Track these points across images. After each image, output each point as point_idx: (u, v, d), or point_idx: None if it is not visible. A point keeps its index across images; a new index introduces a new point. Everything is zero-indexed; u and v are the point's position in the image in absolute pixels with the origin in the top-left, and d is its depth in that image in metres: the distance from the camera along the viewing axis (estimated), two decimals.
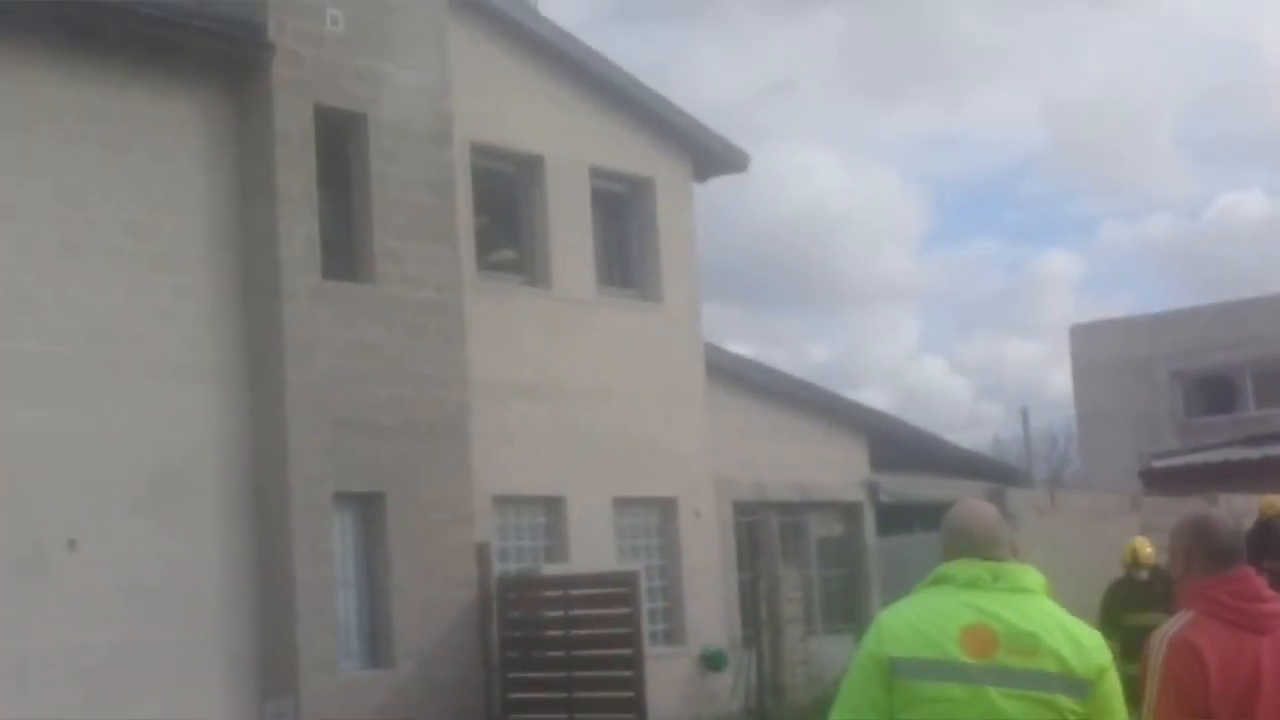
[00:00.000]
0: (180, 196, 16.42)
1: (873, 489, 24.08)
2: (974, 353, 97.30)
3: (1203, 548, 4.99)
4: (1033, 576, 4.65)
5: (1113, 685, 4.54)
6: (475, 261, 19.07)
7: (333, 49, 17.12)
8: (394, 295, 17.41)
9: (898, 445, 25.67)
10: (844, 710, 4.56)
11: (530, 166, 20.10)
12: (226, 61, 16.78)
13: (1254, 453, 31.96)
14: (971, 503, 4.91)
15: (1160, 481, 29.86)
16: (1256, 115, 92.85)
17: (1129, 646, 14.32)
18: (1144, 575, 15.68)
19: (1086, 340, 44.74)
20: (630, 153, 21.07)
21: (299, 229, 16.65)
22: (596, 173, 20.73)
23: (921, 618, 4.56)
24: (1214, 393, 42.70)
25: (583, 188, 20.49)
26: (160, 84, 16.39)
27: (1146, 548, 15.81)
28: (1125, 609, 15.27)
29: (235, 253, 16.70)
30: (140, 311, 15.94)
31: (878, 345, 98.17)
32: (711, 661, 20.12)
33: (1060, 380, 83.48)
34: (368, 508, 17.14)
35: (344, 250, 17.43)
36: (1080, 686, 4.47)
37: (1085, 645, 4.53)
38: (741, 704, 19.20)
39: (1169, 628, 4.88)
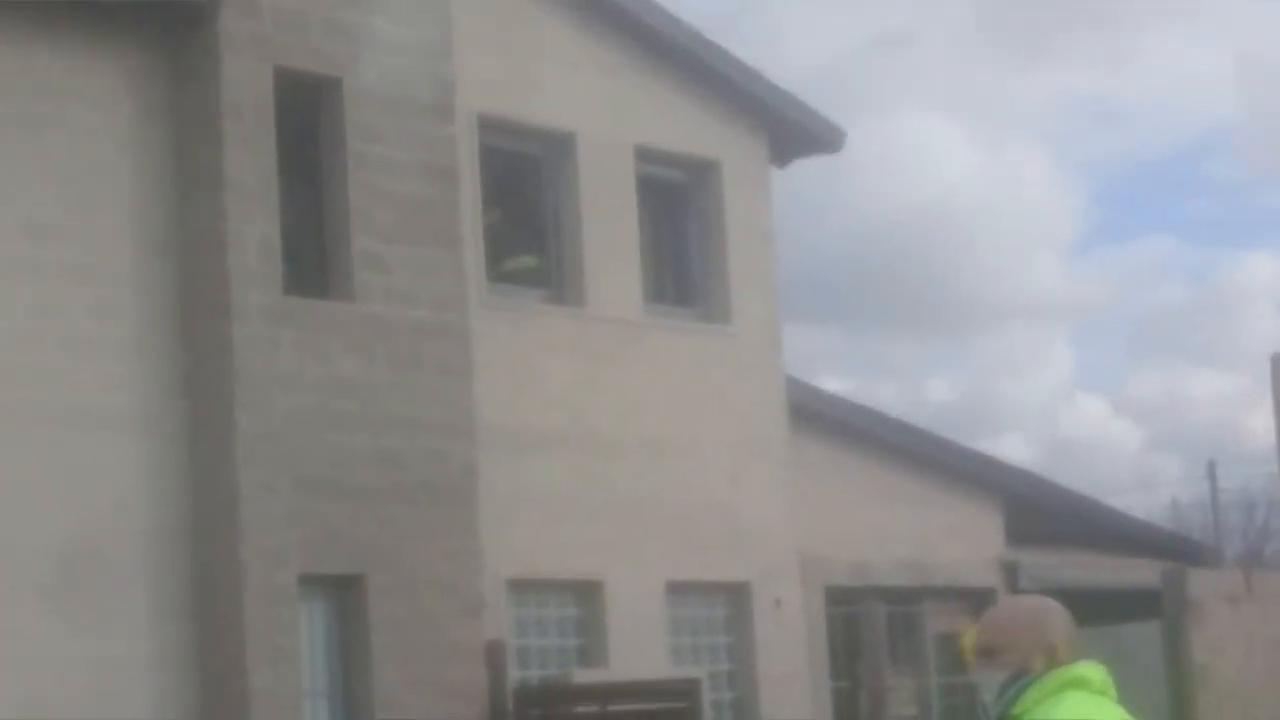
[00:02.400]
0: (100, 189, 16.51)
1: (1010, 570, 23.98)
2: (1145, 390, 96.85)
3: None
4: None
5: None
6: (485, 271, 19.12)
7: None
8: (378, 316, 17.46)
9: (1043, 513, 25.60)
10: None
11: (558, 147, 20.16)
12: (162, 13, 16.88)
13: None
14: (1041, 596, 5.65)
15: None
16: None
17: None
18: None
19: None
20: (689, 129, 21.08)
21: (253, 229, 16.71)
22: (644, 154, 20.76)
23: None
24: None
25: (627, 174, 20.52)
26: (76, 45, 16.50)
27: None
28: None
29: (171, 261, 16.78)
30: (47, 339, 16.01)
31: (1018, 381, 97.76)
32: None
33: (1260, 425, 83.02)
34: (343, 595, 17.18)
35: (312, 257, 17.52)
36: None
37: None
38: None
39: None
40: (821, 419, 22.46)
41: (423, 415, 17.58)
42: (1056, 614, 5.41)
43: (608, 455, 19.60)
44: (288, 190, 17.11)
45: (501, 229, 19.86)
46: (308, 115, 17.49)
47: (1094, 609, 24.02)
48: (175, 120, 16.92)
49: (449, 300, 18.00)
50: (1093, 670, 5.27)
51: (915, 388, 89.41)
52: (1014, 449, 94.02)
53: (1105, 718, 5.17)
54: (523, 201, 20.25)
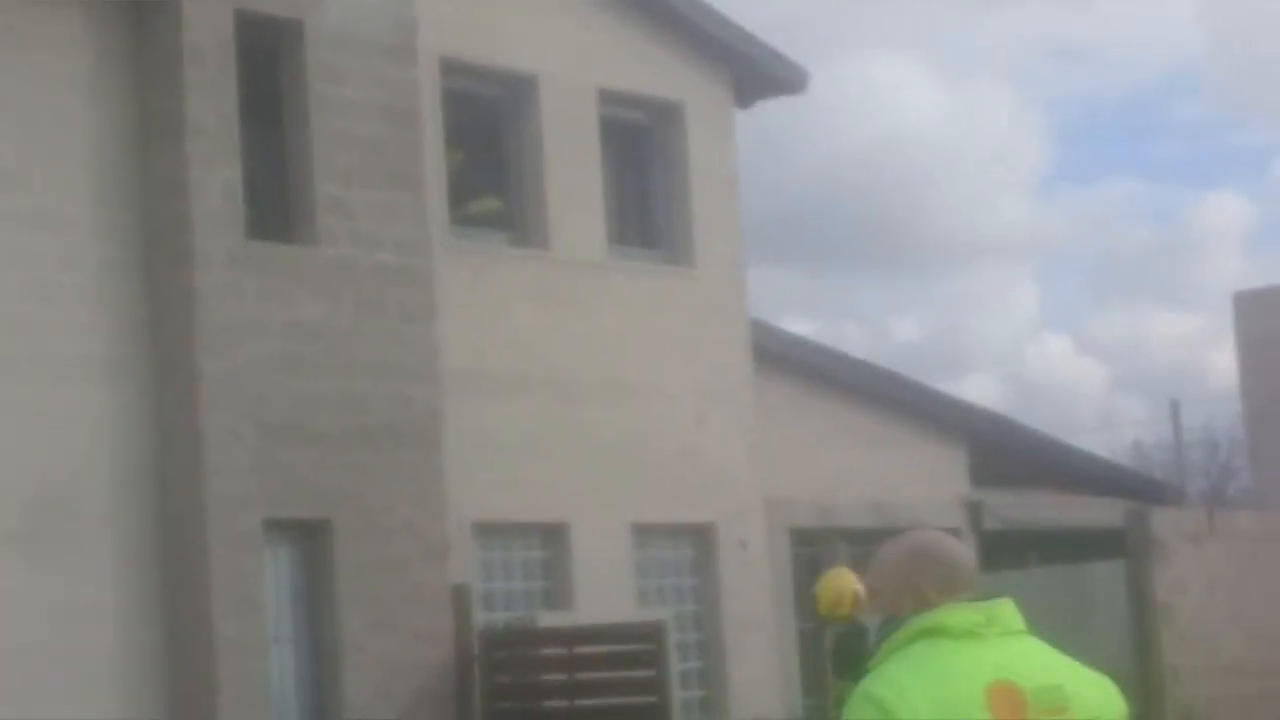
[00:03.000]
0: (61, 135, 16.52)
1: (975, 511, 24.13)
2: (1110, 330, 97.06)
3: None
4: (1017, 613, 4.90)
5: None
6: (448, 214, 19.17)
7: None
8: (341, 259, 17.51)
9: (1008, 453, 25.74)
10: None
11: (520, 89, 20.18)
12: None
13: None
14: (938, 534, 5.17)
15: None
16: None
17: None
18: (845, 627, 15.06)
19: (1256, 311, 44.69)
20: (652, 70, 21.11)
21: (216, 175, 16.74)
22: (607, 96, 20.79)
23: (935, 685, 4.71)
24: None
25: (589, 116, 20.56)
26: None
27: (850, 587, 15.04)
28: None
29: (133, 208, 16.80)
30: (9, 286, 16.05)
31: (983, 321, 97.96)
32: None
33: (1223, 365, 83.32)
34: (309, 540, 17.26)
35: (275, 201, 17.56)
36: None
37: (1106, 689, 4.85)
38: None
39: None
40: (786, 361, 22.55)
41: (386, 359, 17.66)
42: (935, 554, 5.00)
43: (572, 398, 19.69)
44: (249, 134, 17.14)
45: (464, 172, 19.87)
46: (269, 58, 17.51)
47: (1058, 548, 24.23)
48: (136, 65, 16.94)
49: (412, 244, 18.05)
50: (956, 615, 4.83)
51: (880, 328, 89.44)
52: (978, 389, 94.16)
53: (953, 667, 4.74)
54: (485, 144, 20.27)
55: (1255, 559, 20.92)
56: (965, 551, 5.04)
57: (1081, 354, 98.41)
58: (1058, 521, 25.23)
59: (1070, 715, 4.70)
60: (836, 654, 15.04)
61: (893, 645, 4.90)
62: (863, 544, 22.38)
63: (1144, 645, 20.29)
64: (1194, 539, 21.10)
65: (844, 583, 14.96)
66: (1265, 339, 43.95)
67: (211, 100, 16.81)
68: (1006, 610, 4.88)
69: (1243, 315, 45.42)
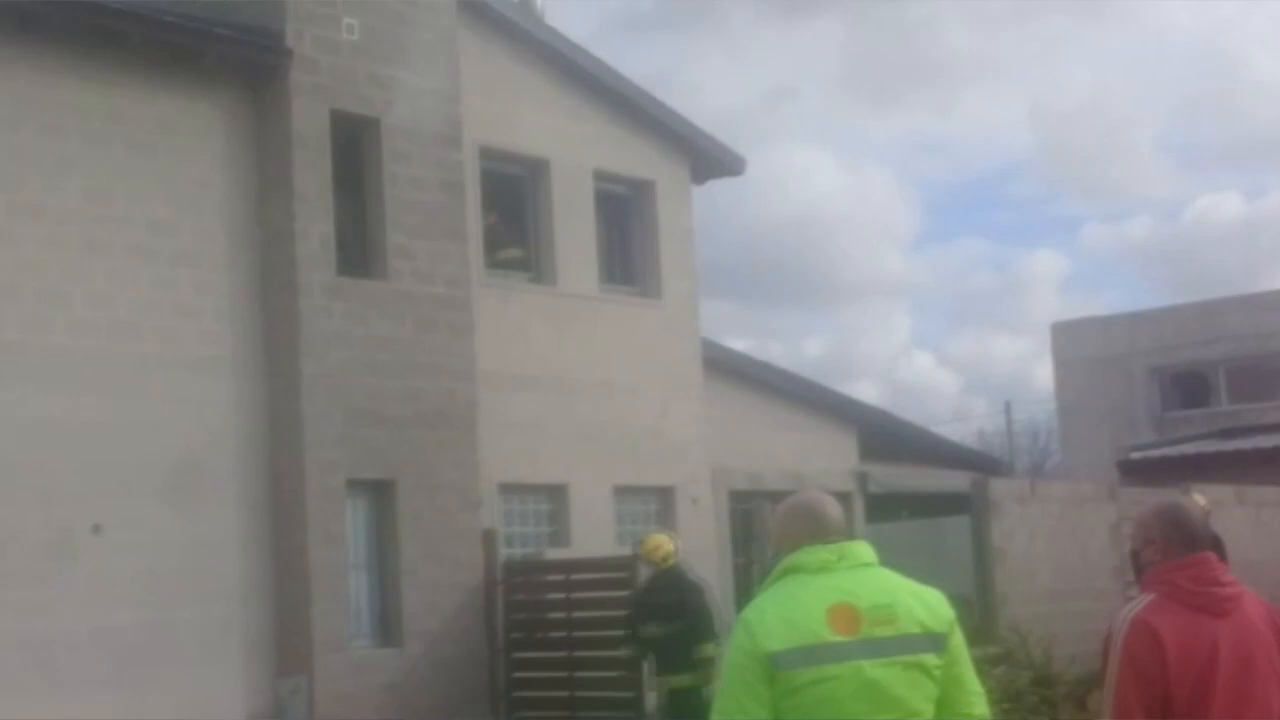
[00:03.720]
0: (202, 196, 16.45)
1: (862, 479, 24.11)
2: (961, 348, 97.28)
3: (1169, 534, 5.02)
4: (869, 550, 4.79)
5: (961, 636, 4.71)
6: (483, 259, 19.09)
7: (348, 56, 17.14)
8: (405, 291, 17.44)
9: (887, 437, 25.72)
10: (731, 711, 4.58)
11: (536, 169, 20.12)
12: (247, 67, 16.80)
13: (1226, 446, 32.01)
14: (813, 494, 5.01)
15: (1136, 472, 29.90)
16: (1233, 121, 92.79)
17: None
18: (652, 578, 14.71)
19: (1067, 337, 44.78)
20: (632, 156, 21.08)
21: (315, 227, 16.69)
22: (600, 175, 20.74)
23: (788, 609, 4.63)
24: (1189, 388, 42.75)
25: (586, 189, 20.51)
26: (184, 89, 16.42)
27: (666, 544, 14.81)
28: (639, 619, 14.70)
29: (254, 250, 16.74)
30: (163, 306, 15.98)
31: (870, 341, 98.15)
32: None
33: (1043, 375, 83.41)
34: (379, 494, 17.17)
35: (357, 248, 17.46)
36: (938, 641, 4.63)
37: (933, 604, 4.71)
38: None
39: (1130, 609, 4.91)
40: (729, 368, 22.51)
41: (437, 364, 17.59)
42: (806, 510, 4.86)
43: (572, 393, 19.62)
44: (340, 199, 17.07)
45: (496, 229, 19.80)
46: (354, 144, 17.43)
47: (922, 507, 24.18)
48: (257, 146, 16.86)
49: (457, 280, 17.97)
50: (811, 554, 4.71)
51: (795, 346, 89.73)
52: (866, 391, 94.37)
53: (803, 595, 4.64)
54: (511, 209, 20.18)
55: (1064, 516, 20.87)
56: (832, 507, 4.88)
57: (941, 366, 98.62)
58: (922, 487, 25.19)
59: (898, 625, 4.58)
60: (641, 597, 14.70)
61: (768, 581, 4.83)
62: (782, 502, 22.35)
63: (984, 578, 20.22)
64: (1020, 501, 21.03)
65: (663, 542, 14.76)
66: (1073, 358, 44.04)
67: (312, 173, 16.74)
68: (858, 548, 4.78)
69: (1057, 339, 45.53)
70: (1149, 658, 4.77)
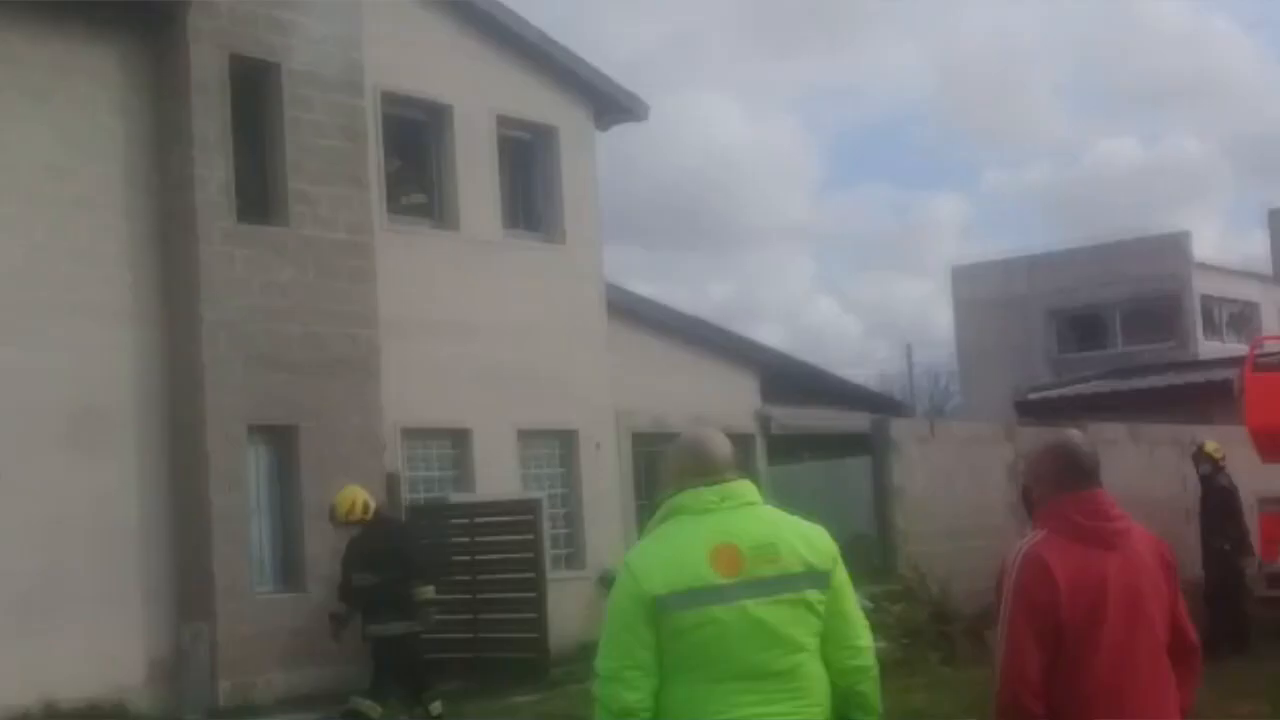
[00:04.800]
0: (99, 141, 16.24)
1: (764, 420, 24.22)
2: (864, 292, 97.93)
3: (1061, 469, 5.07)
4: (752, 489, 4.77)
5: (844, 571, 4.72)
6: (386, 205, 18.94)
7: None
8: (307, 237, 17.31)
9: (789, 379, 25.84)
10: (617, 656, 4.58)
11: (439, 114, 19.94)
12: (144, 11, 16.56)
13: (1121, 385, 32.50)
14: (702, 432, 4.96)
15: (1033, 412, 30.28)
16: (1131, 68, 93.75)
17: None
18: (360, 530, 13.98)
19: (967, 280, 45.19)
20: (535, 102, 20.94)
21: (214, 173, 16.52)
22: (503, 121, 20.60)
23: (670, 551, 4.62)
24: (1085, 330, 43.34)
25: (489, 135, 20.37)
26: (80, 33, 16.17)
27: (359, 496, 14.03)
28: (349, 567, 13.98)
29: (153, 196, 16.56)
30: (60, 253, 15.79)
31: (773, 285, 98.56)
32: (609, 584, 20.17)
33: (944, 318, 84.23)
34: (281, 440, 17.09)
35: (258, 194, 17.30)
36: (822, 578, 4.64)
37: (816, 540, 4.71)
38: None
39: (1023, 544, 4.97)
40: (632, 313, 22.50)
41: (340, 310, 17.49)
42: (691, 449, 4.82)
43: (475, 339, 19.52)
44: (240, 145, 16.92)
45: (398, 175, 19.66)
46: (254, 90, 17.24)
47: (823, 448, 24.34)
48: (155, 92, 16.66)
49: (359, 226, 17.87)
50: (694, 496, 4.68)
51: (700, 291, 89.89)
52: (771, 334, 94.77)
53: (686, 536, 4.62)
54: (414, 155, 20.03)
55: (962, 456, 21.10)
56: (717, 445, 4.83)
57: (844, 309, 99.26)
58: (824, 428, 25.35)
59: (781, 564, 4.58)
60: (351, 548, 13.91)
61: (652, 523, 4.81)
62: None
63: (884, 517, 20.41)
64: (920, 441, 21.23)
65: (356, 494, 14.07)
66: (972, 300, 44.42)
67: (211, 119, 16.57)
68: (741, 487, 4.75)
69: (957, 282, 45.93)
70: (1041, 590, 4.83)
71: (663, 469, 4.93)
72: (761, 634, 4.53)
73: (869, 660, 4.76)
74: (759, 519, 4.70)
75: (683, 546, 4.61)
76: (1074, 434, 5.33)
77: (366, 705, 13.29)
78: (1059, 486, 5.05)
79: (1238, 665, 14.85)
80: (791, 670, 4.57)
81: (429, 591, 13.65)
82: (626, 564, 4.67)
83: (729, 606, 4.52)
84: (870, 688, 4.76)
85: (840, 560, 4.73)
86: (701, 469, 4.74)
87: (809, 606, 4.60)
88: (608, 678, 4.57)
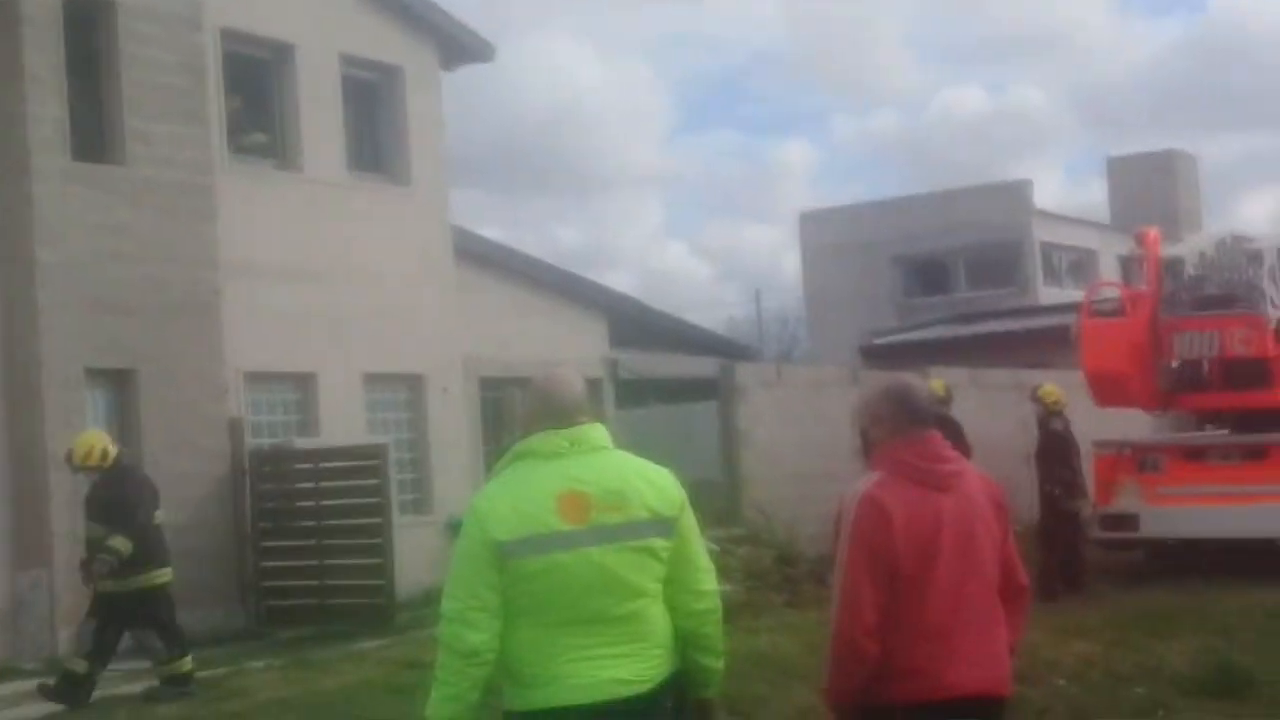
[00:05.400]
0: None
1: (612, 365, 24.24)
2: (714, 238, 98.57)
3: (896, 412, 5.14)
4: (603, 433, 4.77)
5: (690, 516, 4.76)
6: (226, 145, 18.60)
7: None
8: (145, 177, 16.97)
9: (639, 324, 25.88)
10: (462, 597, 4.60)
11: (281, 53, 19.58)
12: None
13: (963, 330, 33.07)
14: (554, 372, 4.97)
15: (879, 357, 30.70)
16: (976, 18, 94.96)
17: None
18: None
19: (814, 226, 45.61)
20: (380, 42, 20.66)
21: (48, 110, 16.12)
22: (347, 60, 20.28)
23: (517, 497, 4.63)
24: (930, 276, 43.97)
25: (333, 75, 20.06)
26: None
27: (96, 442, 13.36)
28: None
29: None
30: None
31: (624, 230, 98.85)
32: (457, 530, 20.02)
33: (792, 264, 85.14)
34: (121, 384, 16.78)
35: (94, 132, 16.91)
36: (667, 525, 4.67)
37: (664, 487, 4.73)
38: None
39: (859, 486, 5.03)
40: (481, 257, 22.35)
41: (180, 252, 17.19)
42: (542, 389, 4.83)
43: (320, 282, 19.24)
44: (76, 82, 16.52)
45: (239, 114, 19.28)
46: (89, 25, 16.84)
47: (671, 393, 24.44)
48: None
49: (199, 166, 17.55)
50: (543, 440, 4.68)
51: (550, 235, 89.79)
52: (621, 279, 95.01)
53: (533, 481, 4.62)
54: (256, 93, 19.65)
55: (808, 400, 21.34)
56: (569, 387, 4.83)
57: (693, 255, 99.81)
58: (671, 373, 25.48)
59: (628, 511, 4.60)
60: (89, 496, 13.29)
61: (500, 465, 4.80)
62: None
63: (730, 461, 20.62)
64: (766, 386, 21.45)
65: (94, 438, 13.54)
66: (820, 246, 44.82)
67: (45, 55, 16.16)
68: (590, 432, 4.74)
69: (805, 229, 46.33)
70: (877, 532, 4.90)
71: (517, 411, 4.89)
72: (605, 580, 4.55)
73: (713, 604, 4.80)
74: (608, 465, 4.70)
75: (529, 492, 4.61)
76: (908, 378, 5.43)
77: (83, 665, 12.89)
78: (894, 430, 5.12)
79: (1073, 605, 15.23)
80: (634, 615, 4.60)
81: (120, 543, 12.68)
82: (473, 507, 4.66)
83: (573, 553, 4.53)
84: (714, 630, 4.82)
85: (687, 505, 4.76)
86: (552, 412, 4.73)
87: (653, 553, 4.63)
88: (452, 619, 4.59)
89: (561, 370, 4.96)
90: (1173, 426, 20.55)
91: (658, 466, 4.79)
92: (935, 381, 18.27)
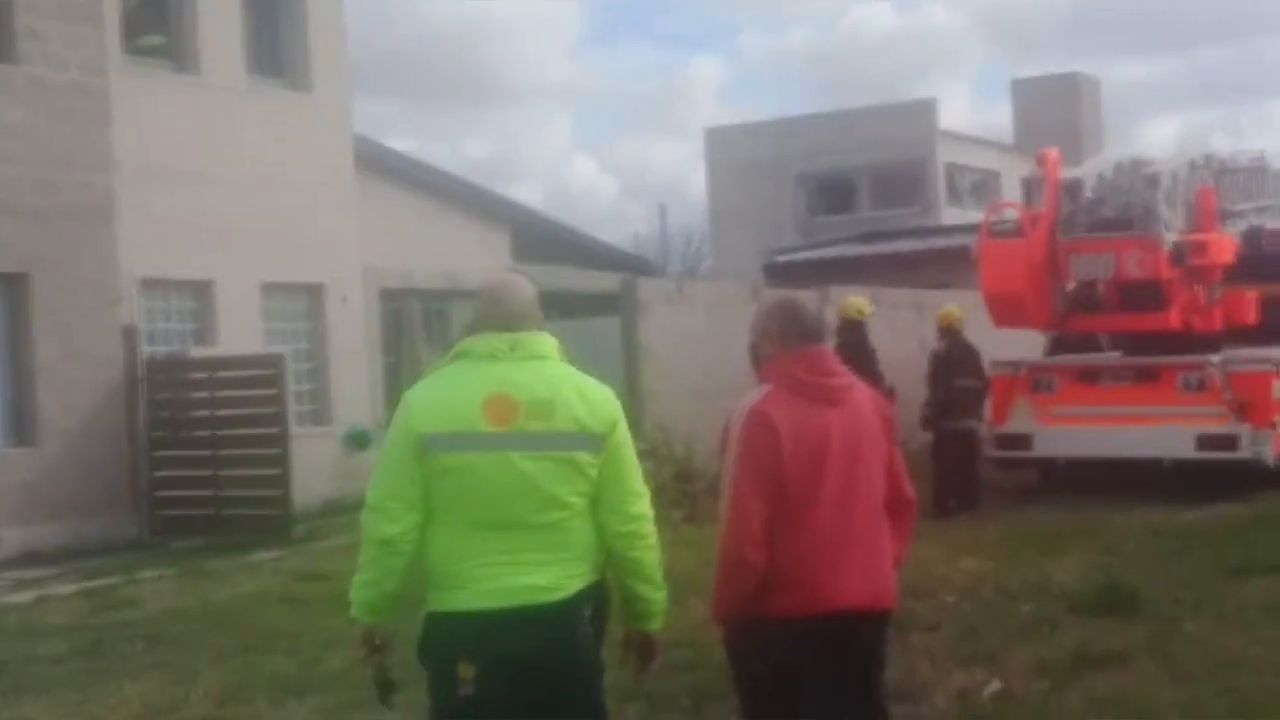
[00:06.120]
0: None
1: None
2: (622, 153, 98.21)
3: (786, 327, 5.18)
4: (547, 343, 4.76)
5: (624, 436, 4.75)
6: (122, 46, 18.21)
7: None
8: (37, 76, 16.63)
9: (543, 238, 25.83)
10: (383, 488, 4.64)
11: None
12: None
13: (865, 250, 33.22)
14: (503, 277, 4.97)
15: (781, 275, 30.77)
16: None
17: None
18: None
19: (720, 143, 45.51)
20: None
21: None
22: None
23: (446, 393, 4.66)
24: (834, 193, 44.07)
25: None
26: None
27: None
28: None
29: None
30: None
31: (533, 143, 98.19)
32: (356, 441, 20.04)
33: (699, 180, 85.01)
34: (11, 288, 16.53)
35: None
36: (594, 441, 4.66)
37: (597, 403, 4.71)
38: None
39: (748, 400, 5.06)
40: (384, 166, 22.17)
41: (74, 155, 16.91)
42: (490, 293, 4.82)
43: (218, 188, 18.95)
44: None
45: (136, 14, 18.88)
46: None
47: (573, 307, 24.39)
48: None
49: (93, 66, 17.22)
50: (481, 342, 4.68)
51: (459, 147, 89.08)
52: (529, 193, 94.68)
53: (465, 380, 4.63)
54: None
55: (710, 317, 21.38)
56: (516, 294, 4.79)
57: (602, 171, 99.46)
58: (575, 288, 25.34)
59: (554, 421, 4.60)
60: None
61: (441, 363, 4.81)
62: (434, 301, 22.27)
63: (632, 377, 20.63)
64: (668, 302, 21.46)
65: None
66: (725, 163, 44.78)
67: None
68: (535, 340, 4.73)
69: (711, 145, 46.21)
70: (765, 445, 4.95)
71: (474, 310, 4.87)
72: (523, 486, 4.56)
73: (642, 528, 4.78)
74: (543, 374, 4.69)
75: (458, 390, 4.64)
76: (799, 294, 5.47)
77: None
78: (784, 345, 5.16)
79: (966, 523, 15.42)
80: (553, 525, 4.60)
81: None
82: (405, 399, 4.69)
83: (492, 454, 4.55)
84: (644, 554, 4.79)
85: (621, 425, 4.74)
86: (497, 316, 4.73)
87: (576, 466, 4.62)
88: (372, 507, 4.65)
89: (511, 276, 4.96)
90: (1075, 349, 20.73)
91: (598, 383, 4.77)
92: (854, 300, 18.21)
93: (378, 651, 4.71)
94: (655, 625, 4.87)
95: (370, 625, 4.70)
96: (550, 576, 4.58)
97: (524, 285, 4.85)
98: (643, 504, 4.79)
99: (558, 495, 4.60)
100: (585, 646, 4.65)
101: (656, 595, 4.84)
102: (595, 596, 4.71)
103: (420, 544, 4.62)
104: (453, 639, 4.57)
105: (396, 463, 4.60)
